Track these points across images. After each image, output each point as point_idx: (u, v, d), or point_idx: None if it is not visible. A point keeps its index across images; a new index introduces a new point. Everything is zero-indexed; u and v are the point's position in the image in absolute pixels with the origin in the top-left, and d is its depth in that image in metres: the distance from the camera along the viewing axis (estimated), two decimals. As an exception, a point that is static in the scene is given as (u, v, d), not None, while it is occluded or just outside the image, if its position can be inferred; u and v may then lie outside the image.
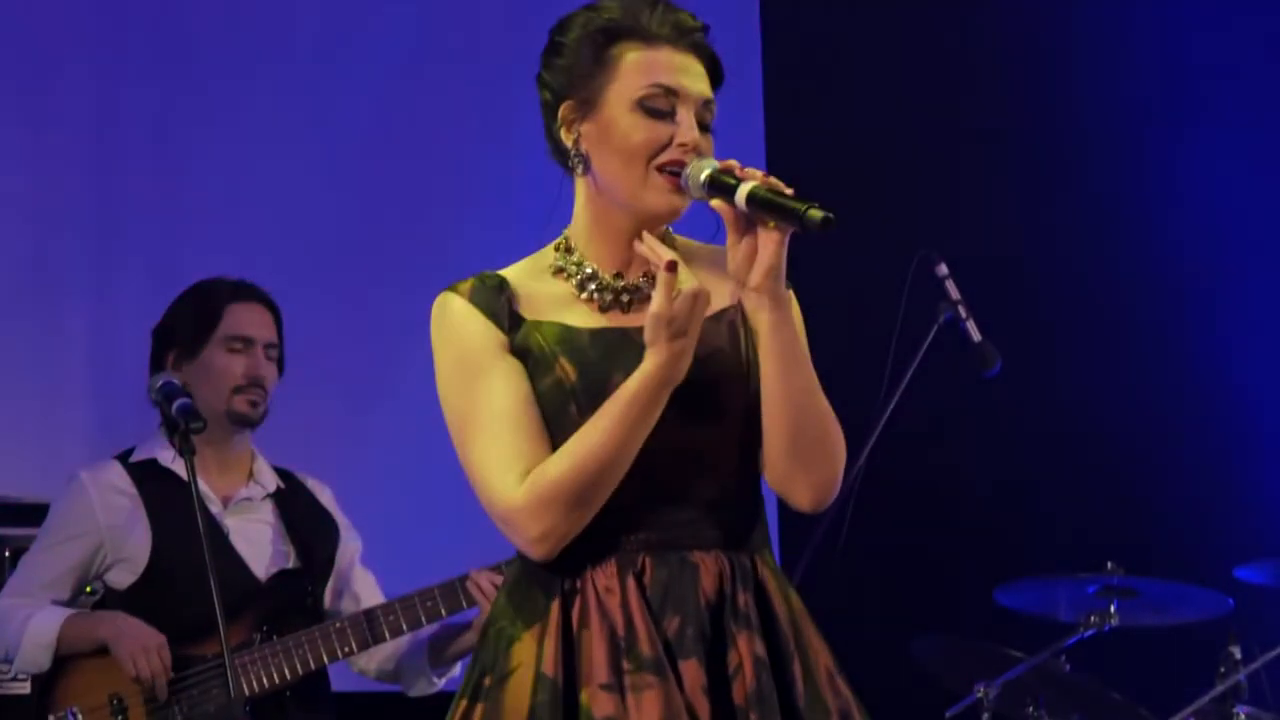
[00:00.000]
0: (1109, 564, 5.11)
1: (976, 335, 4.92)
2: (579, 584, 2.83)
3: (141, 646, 4.51)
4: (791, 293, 2.89)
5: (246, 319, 4.75)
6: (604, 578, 2.82)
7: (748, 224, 2.80)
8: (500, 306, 2.88)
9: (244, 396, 4.71)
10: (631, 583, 2.81)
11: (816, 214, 2.72)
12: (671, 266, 2.76)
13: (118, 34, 5.97)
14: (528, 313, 2.88)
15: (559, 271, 2.93)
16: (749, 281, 2.81)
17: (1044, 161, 6.29)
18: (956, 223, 6.01)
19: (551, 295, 2.91)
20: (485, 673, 2.86)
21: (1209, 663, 5.09)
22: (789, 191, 2.77)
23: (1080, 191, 6.27)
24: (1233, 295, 6.12)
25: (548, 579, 2.84)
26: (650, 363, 2.78)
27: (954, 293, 4.94)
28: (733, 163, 2.83)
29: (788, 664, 2.84)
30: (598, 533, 2.82)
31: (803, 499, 2.90)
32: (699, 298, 2.78)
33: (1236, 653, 5.06)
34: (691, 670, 2.78)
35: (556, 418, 2.84)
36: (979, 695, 5.01)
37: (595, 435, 2.79)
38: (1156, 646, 5.49)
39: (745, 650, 2.81)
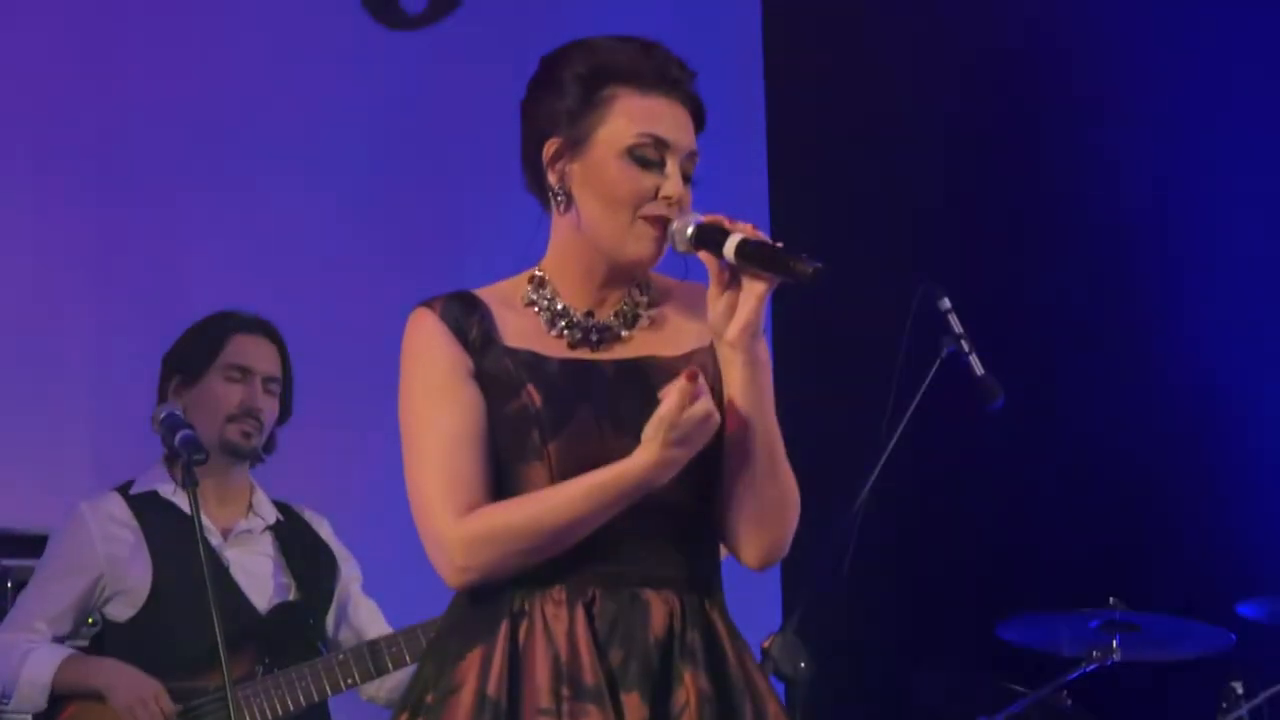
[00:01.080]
0: (1111, 599, 5.11)
1: (979, 369, 4.92)
2: (528, 608, 2.84)
3: (139, 697, 4.48)
4: (763, 343, 2.90)
5: (248, 350, 4.74)
6: (553, 605, 2.83)
7: (732, 278, 2.81)
8: (471, 326, 2.89)
9: (237, 425, 4.70)
10: (580, 613, 2.83)
11: (805, 265, 2.73)
12: (693, 376, 2.76)
13: (120, 53, 5.97)
14: (499, 337, 2.89)
15: (530, 304, 2.94)
16: (725, 335, 2.82)
17: (1050, 194, 6.29)
18: (959, 256, 6.01)
19: (522, 324, 2.92)
20: (428, 689, 2.86)
21: (1211, 698, 5.08)
22: (778, 245, 2.78)
23: (1086, 225, 6.27)
24: (1236, 327, 6.11)
25: (497, 601, 2.85)
26: (639, 460, 2.78)
27: (956, 327, 4.94)
28: (720, 217, 2.84)
29: (738, 702, 2.85)
30: (551, 560, 2.83)
31: (751, 557, 2.92)
32: (710, 418, 2.78)
33: (1238, 688, 5.05)
34: (633, 703, 2.79)
35: (519, 443, 2.85)
36: (981, 730, 5.00)
37: (558, 501, 2.80)
38: (1159, 682, 5.48)
39: (691, 687, 2.82)
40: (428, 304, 2.92)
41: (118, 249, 5.90)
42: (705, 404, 2.77)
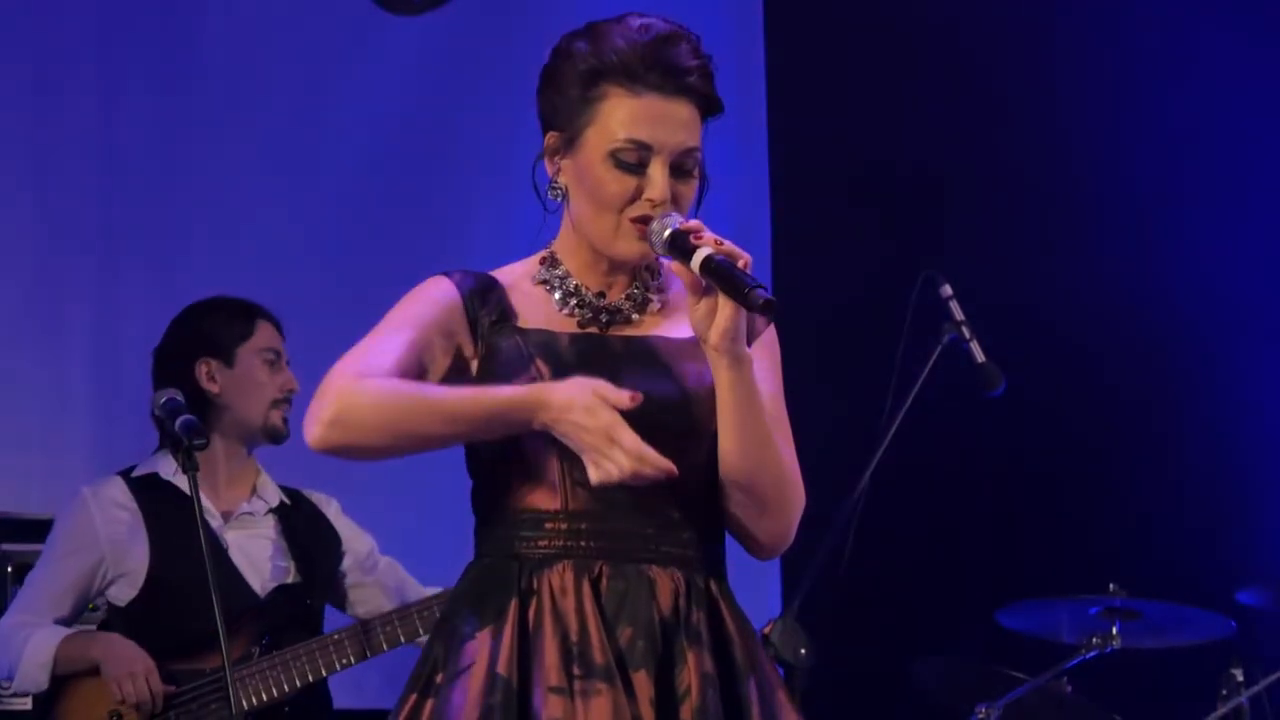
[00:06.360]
0: (1111, 586, 5.10)
1: (980, 356, 4.93)
2: (536, 585, 2.85)
3: (128, 671, 4.51)
4: (772, 328, 2.96)
5: (273, 335, 4.80)
6: (560, 580, 2.85)
7: (707, 285, 2.82)
8: (484, 307, 2.91)
9: (280, 411, 4.75)
10: (587, 588, 2.85)
11: (758, 297, 2.74)
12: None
13: (121, 43, 5.97)
14: (512, 317, 2.92)
15: (543, 283, 2.97)
16: (708, 340, 2.83)
17: (1049, 182, 6.28)
18: (961, 243, 6.01)
19: (535, 303, 2.95)
20: (437, 669, 2.87)
21: (1211, 685, 5.08)
22: (742, 261, 2.78)
23: (1086, 211, 6.27)
24: (1239, 314, 6.11)
25: (506, 578, 2.86)
26: (532, 392, 2.78)
27: (958, 314, 4.95)
28: (695, 224, 2.83)
29: (741, 681, 2.87)
30: (558, 536, 2.86)
31: (755, 546, 2.94)
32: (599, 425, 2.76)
33: (1238, 675, 5.05)
34: (641, 681, 2.81)
35: None
36: (981, 717, 4.99)
37: (445, 394, 2.80)
38: (1159, 668, 5.48)
39: (694, 667, 2.83)
40: (446, 273, 2.95)
41: (120, 234, 5.90)
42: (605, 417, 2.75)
